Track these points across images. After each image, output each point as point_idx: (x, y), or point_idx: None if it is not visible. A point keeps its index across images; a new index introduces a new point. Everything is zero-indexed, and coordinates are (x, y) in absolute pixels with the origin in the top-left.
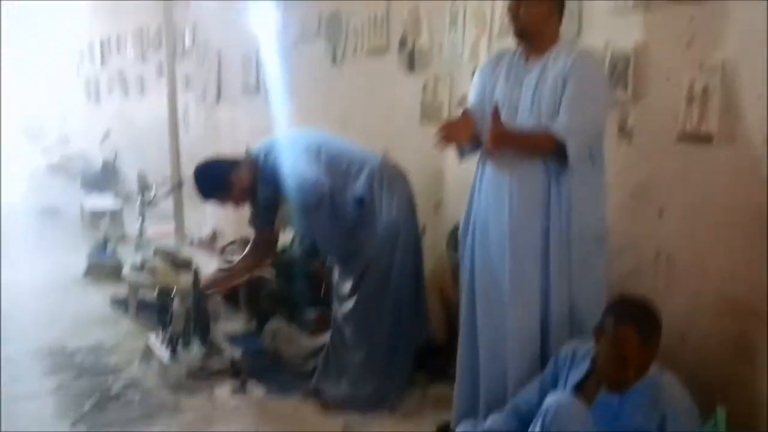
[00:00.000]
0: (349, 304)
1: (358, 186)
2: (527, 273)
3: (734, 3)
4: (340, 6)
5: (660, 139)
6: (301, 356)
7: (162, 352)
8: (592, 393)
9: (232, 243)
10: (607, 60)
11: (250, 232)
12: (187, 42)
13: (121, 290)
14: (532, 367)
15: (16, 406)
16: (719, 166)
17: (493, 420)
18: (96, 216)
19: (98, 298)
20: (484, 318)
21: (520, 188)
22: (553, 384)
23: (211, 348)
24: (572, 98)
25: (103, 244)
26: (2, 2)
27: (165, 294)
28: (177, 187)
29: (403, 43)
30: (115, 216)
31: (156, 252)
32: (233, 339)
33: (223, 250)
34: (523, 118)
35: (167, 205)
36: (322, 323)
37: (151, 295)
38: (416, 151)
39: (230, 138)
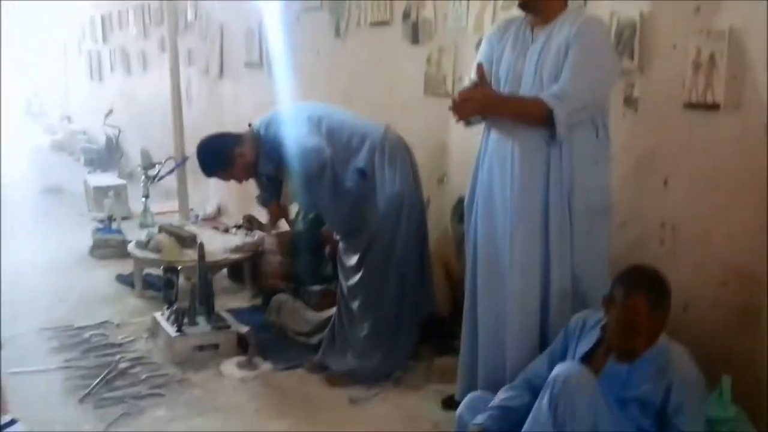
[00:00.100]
0: (354, 278)
1: (360, 158)
2: (528, 244)
3: None
4: None
5: (666, 108)
6: (306, 330)
7: (168, 328)
8: (600, 362)
9: (237, 226)
10: (613, 29)
11: (254, 210)
12: (189, 16)
13: (127, 267)
14: (531, 339)
15: (24, 383)
16: (725, 135)
17: (507, 395)
18: (100, 193)
19: (104, 275)
20: (484, 289)
21: (521, 158)
22: (563, 355)
23: (216, 323)
24: (571, 66)
25: (108, 222)
26: None
27: (170, 270)
28: (181, 163)
29: (406, 15)
30: (120, 193)
31: (161, 228)
32: (238, 314)
33: (227, 231)
34: (527, 88)
35: (171, 182)
36: (327, 297)
37: (157, 271)
38: (421, 123)
39: (233, 113)
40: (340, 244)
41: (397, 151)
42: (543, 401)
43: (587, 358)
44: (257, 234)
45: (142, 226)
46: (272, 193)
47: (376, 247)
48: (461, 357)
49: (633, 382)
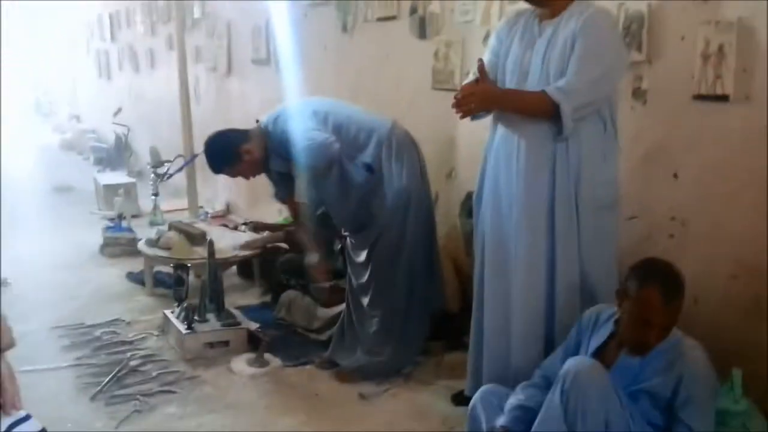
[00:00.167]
0: (363, 274)
1: (367, 153)
2: (534, 238)
3: None
4: None
5: (675, 100)
6: (316, 327)
7: (179, 325)
8: (613, 356)
9: (245, 223)
10: (621, 20)
11: (261, 214)
12: (197, 14)
13: (137, 265)
14: (536, 334)
15: (35, 381)
16: (735, 127)
17: (527, 394)
18: (110, 192)
19: (114, 273)
20: (491, 284)
21: (527, 152)
22: (577, 350)
23: (227, 320)
24: (577, 59)
25: (118, 220)
26: None
27: (180, 267)
28: (190, 161)
29: (413, 10)
30: (129, 191)
31: (171, 226)
32: (248, 311)
33: (236, 229)
34: (533, 81)
35: (180, 179)
36: (337, 294)
37: (167, 269)
38: (428, 118)
39: (241, 110)
40: (348, 241)
41: (404, 146)
42: (554, 396)
43: (600, 352)
44: (266, 233)
45: (152, 224)
46: (287, 188)
47: (383, 242)
48: (470, 352)
49: (645, 375)
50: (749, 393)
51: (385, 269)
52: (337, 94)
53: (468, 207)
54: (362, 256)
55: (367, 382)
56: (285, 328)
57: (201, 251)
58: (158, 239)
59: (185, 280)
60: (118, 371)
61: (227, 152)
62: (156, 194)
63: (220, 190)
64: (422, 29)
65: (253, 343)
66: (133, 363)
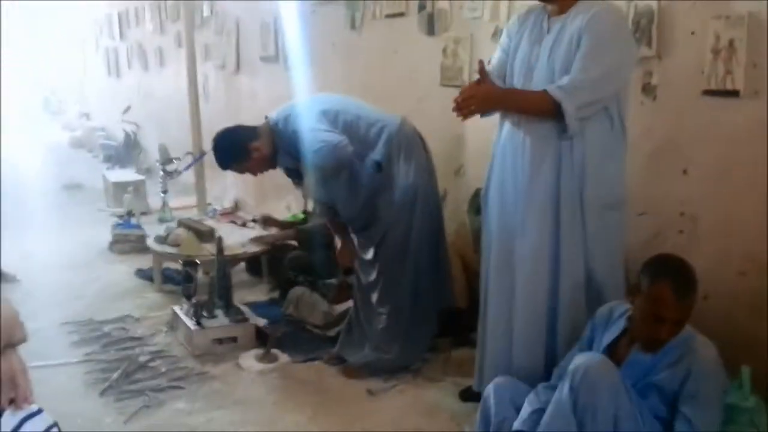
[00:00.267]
0: (371, 272)
1: (377, 151)
2: (538, 236)
3: None
4: None
5: (685, 95)
6: (324, 323)
7: (187, 321)
8: (624, 352)
9: (255, 220)
10: (631, 16)
11: (269, 211)
12: (205, 12)
13: (146, 262)
14: (538, 331)
15: (45, 377)
16: (745, 122)
17: (546, 397)
18: (119, 189)
19: (123, 270)
20: (496, 279)
21: (532, 149)
22: (590, 345)
23: (235, 316)
24: (581, 57)
25: (127, 217)
26: None
27: (189, 264)
28: (198, 158)
29: (422, 6)
30: (138, 189)
31: (180, 223)
32: (257, 307)
33: (244, 225)
34: (539, 78)
35: (189, 177)
36: (345, 290)
37: (176, 265)
38: (437, 114)
39: (250, 107)
40: (356, 238)
41: (413, 143)
42: (563, 393)
43: (612, 348)
44: (274, 229)
45: (161, 221)
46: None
47: (390, 240)
48: (478, 348)
49: (655, 371)
50: (758, 389)
51: (392, 266)
52: (346, 91)
53: (476, 204)
54: (370, 254)
55: (374, 379)
56: (293, 324)
57: (210, 248)
58: (167, 236)
59: (194, 277)
60: (127, 367)
61: (236, 149)
62: (165, 191)
63: (228, 187)
64: (430, 26)
65: (261, 339)
66: (142, 359)
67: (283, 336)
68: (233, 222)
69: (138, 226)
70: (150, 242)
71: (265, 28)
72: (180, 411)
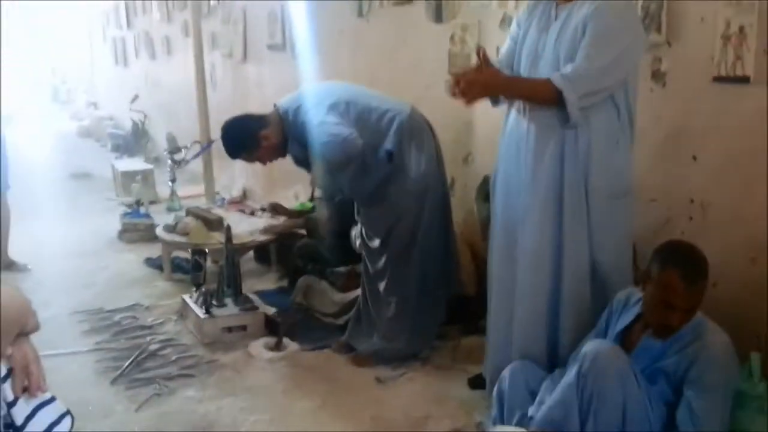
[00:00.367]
0: (378, 260)
1: (388, 140)
2: (541, 225)
3: None
4: None
5: (694, 82)
6: (332, 311)
7: (197, 309)
8: (637, 337)
9: (263, 209)
10: (640, 2)
11: (278, 199)
12: (212, 0)
13: (155, 250)
14: (539, 321)
15: (56, 366)
16: (755, 109)
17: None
18: (127, 178)
19: (133, 258)
20: (498, 268)
21: (537, 137)
22: (606, 331)
23: (244, 305)
24: (586, 45)
25: (136, 206)
26: None
27: (198, 253)
28: (206, 147)
29: None
30: (147, 178)
31: (188, 212)
32: (266, 296)
33: (252, 214)
34: (545, 66)
35: (197, 165)
36: (353, 279)
37: (185, 254)
38: (445, 102)
39: (258, 96)
40: (363, 227)
41: (423, 131)
42: (570, 378)
43: (626, 333)
44: (283, 217)
45: (170, 210)
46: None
47: (399, 229)
48: (487, 335)
49: (665, 357)
50: (767, 376)
51: (401, 255)
52: (353, 79)
53: (484, 191)
54: (377, 242)
55: (383, 367)
56: (302, 312)
57: (218, 237)
58: (176, 225)
59: (203, 266)
60: (138, 355)
61: (245, 138)
62: (173, 180)
63: (236, 175)
64: (438, 13)
65: (270, 327)
66: (152, 347)
67: (293, 324)
68: (241, 211)
69: (147, 215)
70: (159, 231)
71: (272, 17)
72: (190, 399)
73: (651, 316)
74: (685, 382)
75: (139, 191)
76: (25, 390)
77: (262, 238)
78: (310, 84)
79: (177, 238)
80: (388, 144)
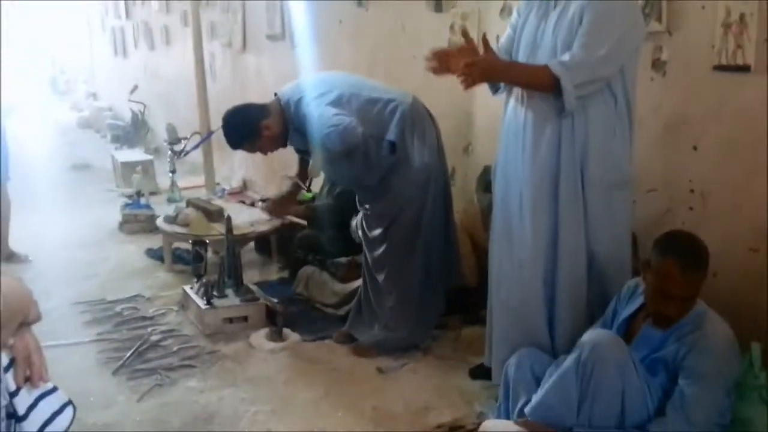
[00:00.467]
0: (379, 250)
1: (390, 131)
2: (537, 213)
3: None
4: None
5: (695, 71)
6: (333, 302)
7: (198, 300)
8: (639, 326)
9: (263, 200)
10: None
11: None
12: None
13: (156, 242)
14: (536, 310)
15: (58, 356)
16: (756, 98)
17: None
18: (128, 169)
19: (133, 249)
20: (497, 257)
21: (534, 126)
22: (613, 320)
23: (245, 295)
24: (583, 33)
25: (137, 197)
26: None
27: (199, 244)
28: (206, 137)
29: None
30: (147, 169)
31: (189, 203)
32: (266, 287)
33: (253, 205)
34: (543, 54)
35: (197, 156)
36: (354, 269)
37: (186, 245)
38: (445, 91)
39: (257, 86)
40: (364, 216)
41: (425, 122)
42: (569, 364)
43: (630, 322)
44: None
45: (170, 200)
46: (306, 161)
47: (402, 219)
48: (488, 325)
49: (664, 346)
50: None
51: (403, 246)
52: (353, 68)
53: (485, 181)
54: (378, 231)
55: (384, 357)
56: (303, 303)
57: (219, 228)
58: (176, 216)
59: (204, 256)
60: (139, 346)
61: (247, 127)
62: (173, 171)
63: (236, 166)
64: (438, 2)
65: (271, 318)
66: (153, 338)
67: (294, 315)
68: (242, 201)
69: (147, 206)
70: (159, 222)
71: (271, 6)
72: (192, 389)
73: (650, 304)
74: (680, 369)
75: (139, 182)
76: (27, 380)
77: (263, 228)
78: (311, 74)
79: (177, 229)
80: (391, 135)
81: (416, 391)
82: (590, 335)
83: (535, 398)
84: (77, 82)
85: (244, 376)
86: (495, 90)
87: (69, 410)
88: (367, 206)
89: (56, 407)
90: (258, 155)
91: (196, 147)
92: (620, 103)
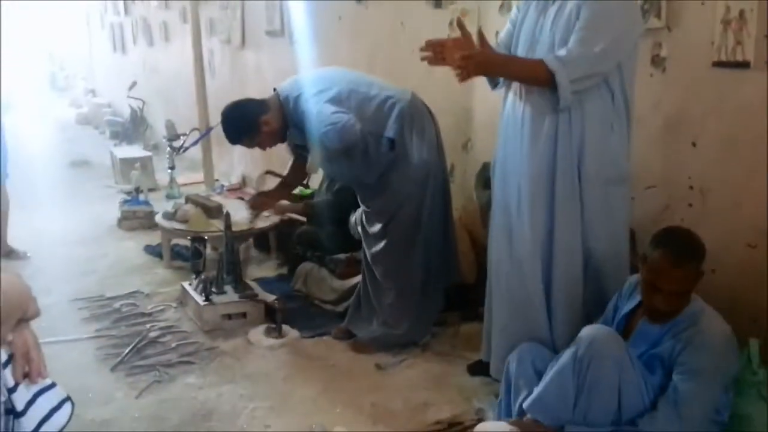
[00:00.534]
0: (378, 246)
1: (389, 128)
2: (534, 208)
3: None
4: None
5: (694, 67)
6: (332, 299)
7: (197, 297)
8: (637, 322)
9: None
10: None
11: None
12: None
13: (155, 238)
14: (534, 304)
15: (57, 353)
16: (755, 94)
17: None
18: (126, 165)
19: (132, 246)
20: (495, 251)
21: (531, 120)
22: (614, 316)
23: (244, 292)
24: (580, 28)
25: (135, 193)
26: None
27: (198, 240)
28: (205, 134)
29: None
30: (146, 165)
31: (187, 199)
32: (265, 283)
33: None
34: (542, 49)
35: (196, 153)
36: (353, 266)
37: (184, 241)
38: (444, 88)
39: (256, 82)
40: (363, 213)
41: (424, 118)
42: (566, 359)
43: (629, 317)
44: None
45: (169, 197)
46: (304, 157)
47: (401, 216)
48: (485, 319)
49: (661, 342)
50: (766, 362)
51: (402, 243)
52: (352, 65)
53: (484, 178)
54: (377, 227)
55: (383, 353)
56: (302, 299)
57: (218, 224)
58: (175, 212)
59: (202, 253)
60: (138, 342)
61: (246, 123)
62: (172, 168)
63: (235, 163)
64: None
65: (270, 314)
66: (152, 334)
67: (292, 311)
68: (241, 198)
69: (146, 203)
70: (158, 218)
71: (270, 2)
72: (190, 386)
73: (643, 299)
74: (675, 366)
75: (138, 178)
76: (25, 376)
77: (262, 225)
78: (310, 70)
79: (176, 226)
80: (389, 132)
81: (415, 388)
82: (587, 330)
83: (534, 394)
84: (76, 79)
85: (242, 373)
86: (494, 85)
87: (67, 406)
88: (367, 204)
89: (55, 403)
90: (257, 151)
91: (195, 143)
92: (618, 99)
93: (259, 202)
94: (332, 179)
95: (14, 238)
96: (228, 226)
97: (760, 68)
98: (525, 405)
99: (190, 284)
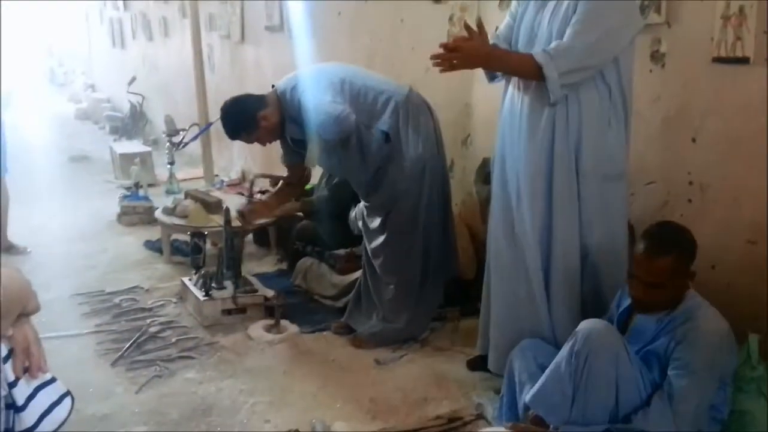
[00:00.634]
0: (378, 241)
1: (383, 121)
2: (532, 202)
3: None
4: None
5: (694, 63)
6: (332, 294)
7: (197, 292)
8: (632, 318)
9: (262, 192)
10: None
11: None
12: None
13: (155, 233)
14: (533, 299)
15: (57, 348)
16: (755, 90)
17: None
18: (126, 161)
19: (132, 241)
20: (494, 245)
21: (529, 115)
22: (617, 312)
23: (244, 287)
24: (575, 23)
25: (135, 189)
26: None
27: (197, 235)
28: (205, 129)
29: None
30: (145, 160)
31: (187, 194)
32: (265, 278)
33: (252, 195)
34: (540, 43)
35: (195, 148)
36: (352, 261)
37: (184, 237)
38: (444, 83)
39: (256, 77)
40: (363, 208)
41: (421, 113)
42: (563, 355)
43: (629, 313)
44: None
45: (168, 192)
46: (300, 155)
47: (399, 210)
48: (482, 313)
49: (657, 339)
50: (766, 358)
51: (400, 237)
52: (352, 60)
53: (484, 173)
54: (377, 222)
55: (383, 348)
56: (301, 295)
57: (217, 219)
58: (175, 207)
59: (202, 248)
60: (138, 337)
61: (245, 118)
62: (171, 163)
63: (235, 158)
64: None
65: (270, 310)
66: (152, 329)
67: (292, 307)
68: (240, 193)
69: (145, 198)
70: (158, 214)
71: None
72: (190, 380)
73: (629, 290)
74: (670, 361)
75: (137, 174)
76: (26, 371)
77: (261, 221)
78: (308, 65)
79: (176, 221)
80: (383, 125)
81: (414, 383)
82: (584, 325)
83: (532, 389)
84: (75, 74)
85: (242, 368)
86: (491, 78)
87: (67, 401)
88: (366, 198)
89: (55, 398)
90: (256, 146)
91: (194, 138)
92: (615, 94)
93: (249, 215)
94: (331, 174)
95: (14, 234)
96: (227, 221)
97: (760, 64)
98: (526, 399)
99: (190, 279)
